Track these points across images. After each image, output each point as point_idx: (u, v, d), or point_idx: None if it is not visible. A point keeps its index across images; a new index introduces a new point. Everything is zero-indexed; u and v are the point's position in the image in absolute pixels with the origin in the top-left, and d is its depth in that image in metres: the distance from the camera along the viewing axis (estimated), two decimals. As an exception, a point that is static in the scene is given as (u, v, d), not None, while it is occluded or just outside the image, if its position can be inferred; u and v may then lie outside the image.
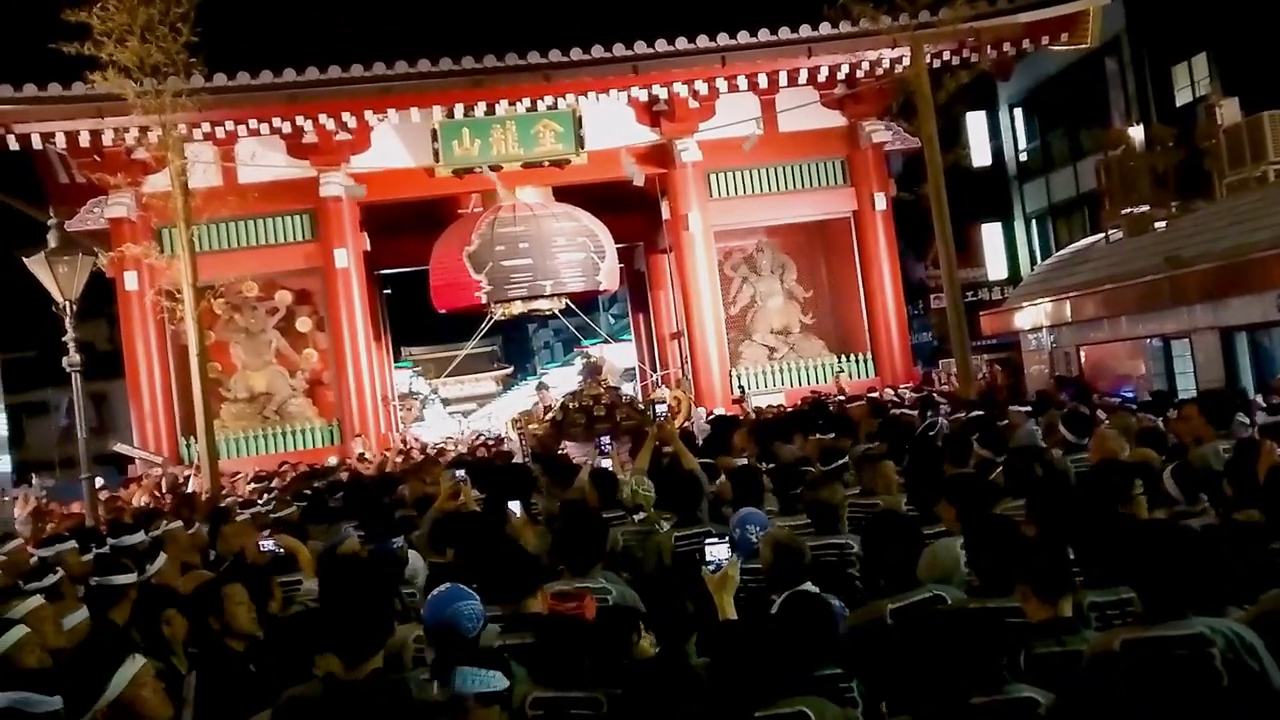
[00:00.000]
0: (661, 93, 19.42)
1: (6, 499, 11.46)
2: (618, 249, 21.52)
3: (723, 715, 3.20)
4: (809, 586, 4.26)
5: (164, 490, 15.59)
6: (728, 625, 3.85)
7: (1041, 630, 3.66)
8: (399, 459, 16.23)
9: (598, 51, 18.31)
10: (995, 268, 28.18)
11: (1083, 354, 16.38)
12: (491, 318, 21.69)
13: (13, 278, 11.55)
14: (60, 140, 17.42)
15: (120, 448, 19.24)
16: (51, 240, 11.27)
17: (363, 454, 17.68)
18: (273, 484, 13.89)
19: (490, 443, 18.67)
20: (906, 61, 17.04)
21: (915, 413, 10.62)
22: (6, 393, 28.29)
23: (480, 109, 19.04)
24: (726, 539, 4.27)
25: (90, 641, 4.70)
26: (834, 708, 3.41)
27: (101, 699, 3.38)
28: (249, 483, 14.98)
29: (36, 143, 17.32)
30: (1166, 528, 3.90)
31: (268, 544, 6.95)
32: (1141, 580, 3.63)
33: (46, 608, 4.92)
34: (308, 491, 9.93)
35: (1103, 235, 17.30)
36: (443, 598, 4.10)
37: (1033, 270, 23.64)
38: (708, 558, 4.16)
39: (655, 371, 24.40)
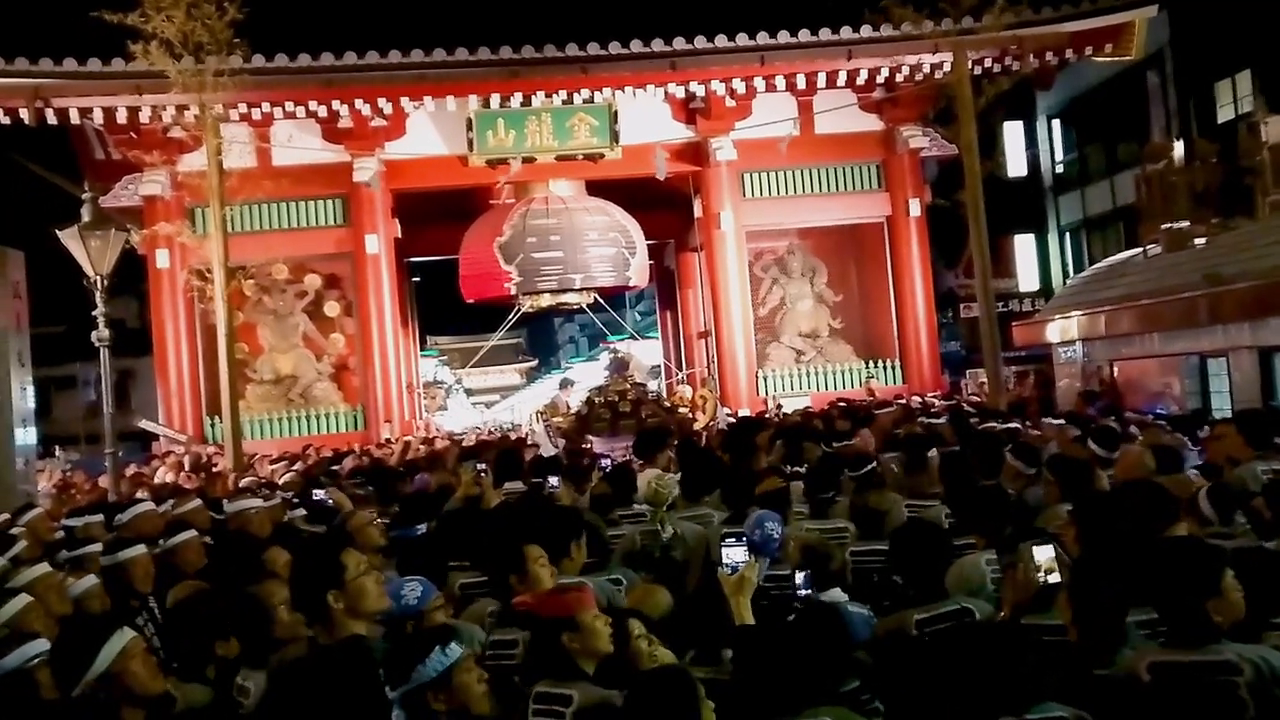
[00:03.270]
0: (698, 90, 19.33)
1: (33, 470, 11.47)
2: (648, 245, 21.45)
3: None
4: (836, 593, 4.17)
5: (188, 468, 15.63)
6: (745, 631, 3.77)
7: (1082, 650, 3.55)
8: (422, 446, 16.20)
9: (636, 46, 18.24)
10: (1027, 279, 27.95)
11: (1115, 369, 16.18)
12: (519, 309, 21.67)
13: (45, 252, 11.59)
14: (98, 116, 17.49)
15: (145, 424, 19.35)
16: (85, 214, 11.34)
17: (388, 439, 17.68)
18: (295, 466, 13.90)
19: (503, 432, 18.64)
20: (947, 67, 16.93)
21: (944, 421, 10.47)
22: (36, 365, 28.59)
23: (516, 100, 19.00)
24: (745, 541, 4.16)
25: (79, 615, 4.68)
26: (856, 717, 3.33)
27: (90, 671, 3.35)
28: (271, 464, 14.99)
29: (74, 117, 17.40)
30: (1195, 548, 3.79)
31: (319, 493, 7.06)
32: (1168, 602, 3.54)
33: (52, 575, 4.93)
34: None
35: (1140, 250, 17.08)
36: (391, 588, 4.05)
37: (1065, 283, 23.42)
38: (725, 560, 4.07)
39: (681, 370, 24.33)
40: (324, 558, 3.82)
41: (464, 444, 15.81)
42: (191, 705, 3.69)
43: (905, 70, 18.94)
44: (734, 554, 4.06)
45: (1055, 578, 3.82)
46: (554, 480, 7.30)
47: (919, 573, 4.25)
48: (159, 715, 3.52)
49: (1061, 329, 17.11)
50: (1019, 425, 9.15)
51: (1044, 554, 3.99)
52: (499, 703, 3.47)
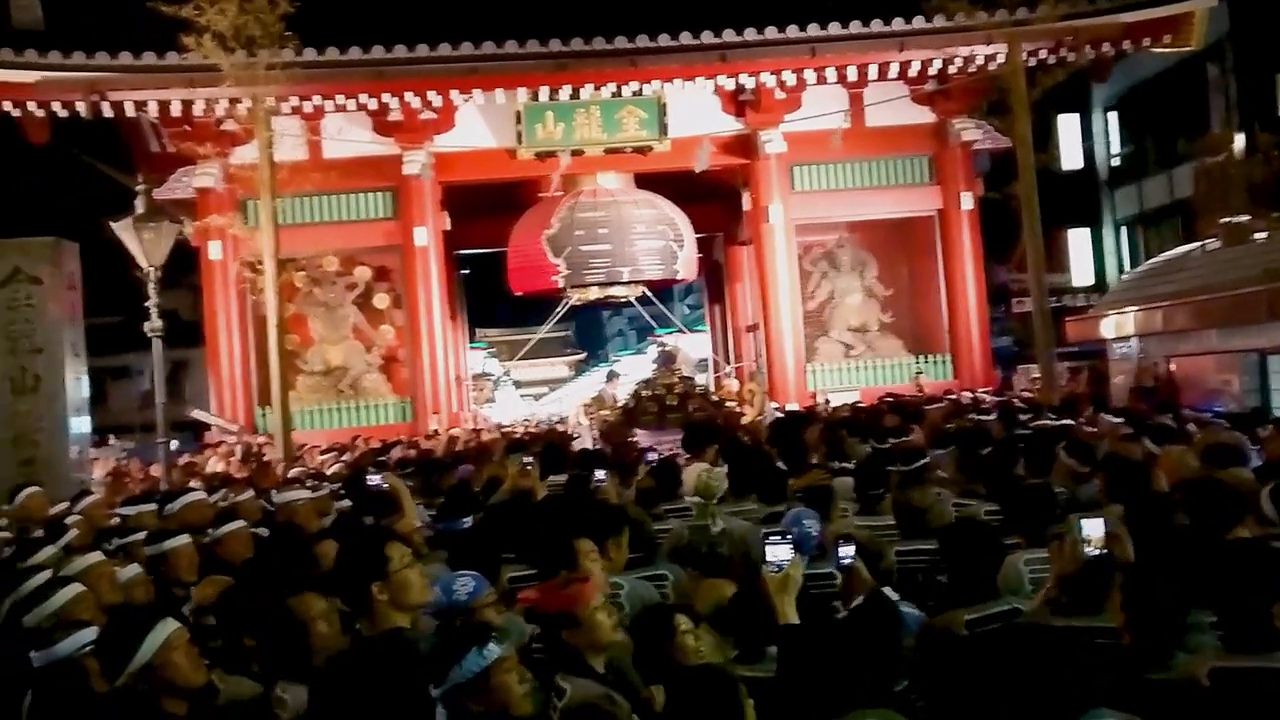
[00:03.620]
0: (748, 82, 19.19)
1: (86, 458, 11.65)
2: (696, 239, 21.37)
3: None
4: (888, 592, 4.10)
5: (239, 458, 15.80)
6: (790, 630, 3.70)
7: (1136, 653, 3.45)
8: (470, 438, 16.27)
9: (685, 39, 18.12)
10: (1081, 274, 27.56)
11: (1172, 365, 15.91)
12: (567, 302, 21.69)
13: (102, 244, 11.74)
14: (152, 109, 17.68)
15: (196, 414, 19.58)
16: (139, 207, 11.47)
17: (435, 431, 17.77)
18: (344, 456, 14.00)
19: (550, 425, 18.66)
20: (1000, 59, 16.68)
21: (994, 418, 10.32)
22: (91, 355, 29.02)
23: (565, 93, 18.96)
24: (789, 538, 4.09)
25: (125, 604, 4.70)
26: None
27: (133, 662, 3.35)
28: (320, 454, 15.11)
29: (130, 110, 17.60)
30: (1259, 551, 3.68)
31: (374, 479, 7.14)
32: (1230, 603, 3.44)
33: (105, 564, 4.95)
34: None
35: (1198, 244, 16.77)
36: (444, 582, 4.02)
37: (1120, 278, 23.05)
38: (768, 557, 4.00)
39: (729, 364, 24.24)
40: (368, 549, 3.81)
41: (511, 436, 15.86)
42: (236, 699, 3.68)
43: (958, 62, 18.67)
44: (778, 552, 3.99)
45: (1100, 551, 3.77)
46: (600, 474, 7.26)
47: (968, 572, 4.17)
48: (202, 707, 3.52)
49: (1116, 324, 16.85)
50: (1071, 422, 8.97)
51: (1093, 527, 3.97)
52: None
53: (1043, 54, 17.70)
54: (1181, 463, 6.17)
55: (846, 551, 4.48)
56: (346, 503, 8.15)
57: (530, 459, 7.40)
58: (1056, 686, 2.92)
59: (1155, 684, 3.32)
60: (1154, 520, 4.33)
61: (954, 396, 15.37)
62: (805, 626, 3.70)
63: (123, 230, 11.16)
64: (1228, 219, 15.65)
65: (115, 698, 3.39)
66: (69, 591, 4.24)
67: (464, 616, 3.89)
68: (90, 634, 3.65)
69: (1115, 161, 27.80)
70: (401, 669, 3.28)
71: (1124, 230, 27.50)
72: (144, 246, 11.09)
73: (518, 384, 49.30)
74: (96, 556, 5.16)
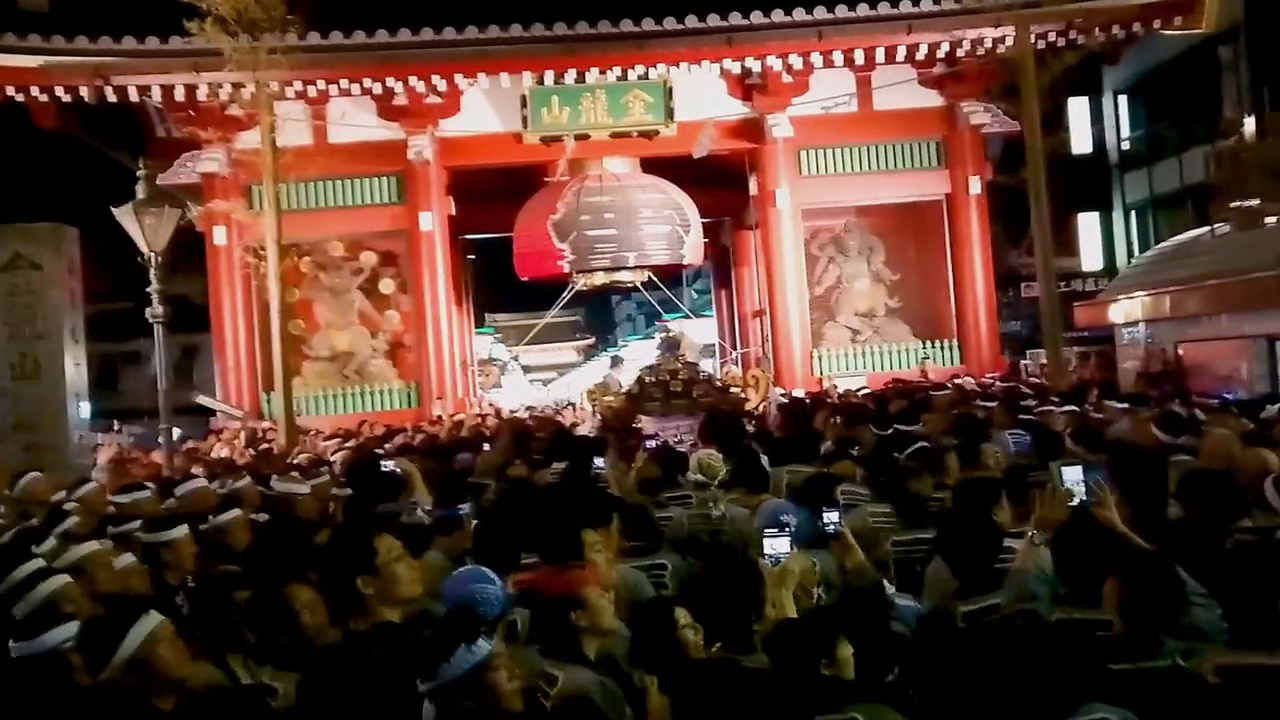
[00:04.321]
0: (755, 66, 19.07)
1: (91, 443, 11.64)
2: (704, 223, 21.27)
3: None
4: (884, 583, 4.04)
5: (243, 444, 15.78)
6: (786, 625, 3.65)
7: (1122, 644, 3.38)
8: (476, 422, 16.22)
9: (691, 22, 18.01)
10: (1091, 258, 27.37)
11: (1180, 351, 15.78)
12: (573, 287, 21.62)
13: (112, 228, 11.66)
14: (156, 94, 17.63)
15: (202, 399, 19.58)
16: (140, 192, 11.39)
17: (440, 416, 17.74)
18: (348, 443, 13.95)
19: (556, 410, 18.61)
20: (1010, 41, 16.54)
21: (996, 405, 10.23)
22: (101, 341, 28.98)
23: (571, 76, 18.89)
24: (788, 532, 4.04)
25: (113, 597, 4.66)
26: (893, 715, 3.20)
27: (117, 655, 3.30)
28: (325, 440, 15.08)
29: (134, 95, 17.55)
30: (1266, 546, 3.61)
31: (388, 464, 7.19)
32: (1236, 598, 3.36)
33: (104, 553, 4.90)
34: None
35: (1208, 229, 16.62)
36: (463, 577, 3.93)
37: (1130, 262, 22.89)
38: (767, 550, 3.95)
39: (736, 349, 24.16)
40: (356, 542, 3.74)
41: (516, 422, 15.81)
42: (211, 687, 3.61)
43: (966, 45, 18.53)
44: (777, 545, 3.94)
45: (1083, 500, 3.94)
46: (600, 461, 7.21)
47: (966, 563, 4.11)
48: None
49: (1125, 310, 16.72)
50: (1075, 409, 8.88)
51: (1073, 474, 4.16)
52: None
53: (1052, 37, 17.53)
54: (1226, 449, 6.03)
55: (831, 518, 4.50)
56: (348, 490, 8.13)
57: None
58: (1052, 680, 2.87)
59: (1145, 673, 3.25)
60: (1152, 510, 4.24)
61: (959, 382, 15.27)
62: (797, 620, 3.64)
63: (124, 216, 11.09)
64: (1239, 203, 15.50)
65: (99, 692, 3.34)
66: (55, 582, 4.19)
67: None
68: (74, 628, 3.59)
69: (1127, 145, 27.57)
70: (385, 666, 3.23)
71: (1134, 215, 27.31)
72: (145, 232, 11.02)
73: (526, 369, 49.29)
74: (92, 545, 5.10)
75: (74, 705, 3.39)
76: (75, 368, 10.35)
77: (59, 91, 17.10)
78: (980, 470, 6.31)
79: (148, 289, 11.32)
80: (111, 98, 17.43)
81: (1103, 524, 3.86)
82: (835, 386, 17.34)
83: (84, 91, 17.01)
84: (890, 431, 8.32)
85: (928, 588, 4.47)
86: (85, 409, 10.75)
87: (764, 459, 6.77)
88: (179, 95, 17.50)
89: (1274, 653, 3.07)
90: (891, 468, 6.26)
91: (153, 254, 11.08)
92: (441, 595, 3.97)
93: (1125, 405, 9.07)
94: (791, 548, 3.95)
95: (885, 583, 4.20)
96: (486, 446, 10.85)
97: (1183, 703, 3.18)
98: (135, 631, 3.34)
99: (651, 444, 8.84)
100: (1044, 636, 3.01)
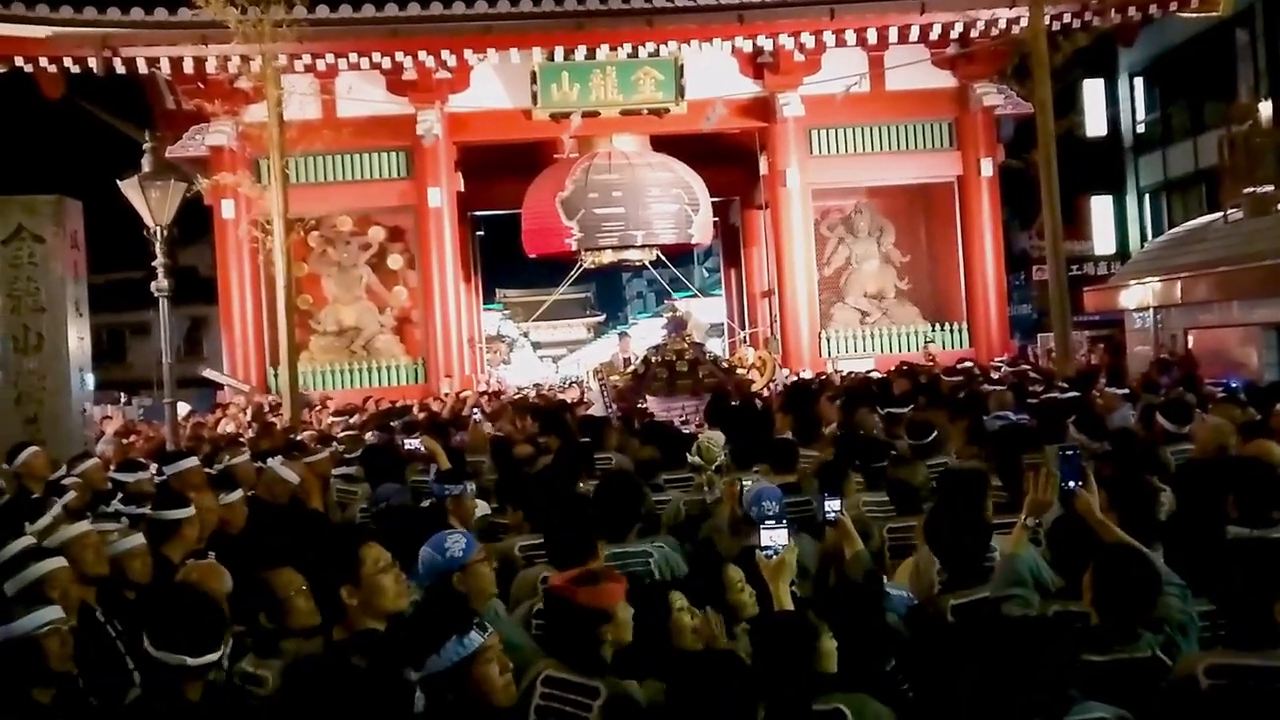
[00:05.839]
0: (766, 44, 18.92)
1: (90, 417, 11.62)
2: (713, 202, 21.19)
3: (770, 710, 2.97)
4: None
5: (249, 418, 15.78)
6: (780, 616, 3.61)
7: (1098, 636, 3.34)
8: (484, 399, 16.20)
9: (703, -1, 17.89)
10: (1103, 242, 27.23)
11: (1190, 338, 15.69)
12: (581, 265, 21.56)
13: (120, 199, 11.62)
14: (165, 66, 17.58)
15: (208, 373, 19.60)
16: (146, 165, 11.33)
17: (448, 392, 17.73)
18: (353, 419, 13.94)
19: (559, 389, 18.58)
20: (1024, 22, 16.36)
21: (1005, 389, 10.16)
22: (110, 312, 29.04)
23: (580, 53, 18.76)
24: (785, 522, 3.99)
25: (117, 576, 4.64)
26: (875, 705, 3.17)
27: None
28: (330, 415, 15.07)
29: (142, 67, 17.49)
30: (1263, 544, 3.55)
31: (411, 443, 7.17)
32: (1229, 598, 3.32)
33: (92, 535, 4.85)
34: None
35: (1220, 214, 16.49)
36: (434, 540, 3.90)
37: (1143, 247, 22.76)
38: (764, 542, 3.90)
39: (744, 329, 24.09)
40: (340, 551, 3.67)
41: (523, 400, 15.79)
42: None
43: (980, 25, 18.38)
44: (774, 536, 3.89)
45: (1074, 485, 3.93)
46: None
47: (956, 555, 4.07)
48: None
49: (1134, 295, 16.64)
50: (1079, 395, 8.80)
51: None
52: None
53: (1066, 18, 17.37)
54: (1219, 436, 5.98)
55: (833, 505, 4.49)
56: (348, 469, 8.12)
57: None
58: (1041, 674, 2.83)
59: (1123, 664, 3.22)
60: (1139, 502, 4.19)
61: (967, 365, 15.19)
62: (781, 612, 3.61)
63: (129, 189, 11.03)
64: (1251, 189, 15.38)
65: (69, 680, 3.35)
66: (47, 565, 4.16)
67: (458, 573, 3.81)
68: (54, 612, 3.57)
69: (1141, 128, 27.39)
70: (374, 655, 3.21)
71: (1148, 198, 27.14)
72: (150, 205, 10.94)
73: (536, 345, 49.30)
74: (82, 526, 5.05)
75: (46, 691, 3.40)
76: (79, 341, 10.29)
77: (67, 62, 17.07)
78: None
79: (153, 262, 11.30)
80: (120, 69, 17.38)
81: (1082, 514, 3.82)
82: (838, 371, 17.27)
83: (92, 63, 16.96)
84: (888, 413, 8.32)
85: (912, 576, 4.43)
86: (90, 381, 10.72)
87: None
88: (187, 67, 17.45)
89: (1265, 653, 3.02)
90: (886, 454, 6.21)
91: (158, 227, 11.03)
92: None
93: (1125, 392, 8.99)
94: (789, 539, 3.90)
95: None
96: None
97: (1173, 702, 3.15)
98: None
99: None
100: (1029, 628, 2.97)
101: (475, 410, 12.73)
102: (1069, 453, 4.09)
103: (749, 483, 5.25)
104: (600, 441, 7.84)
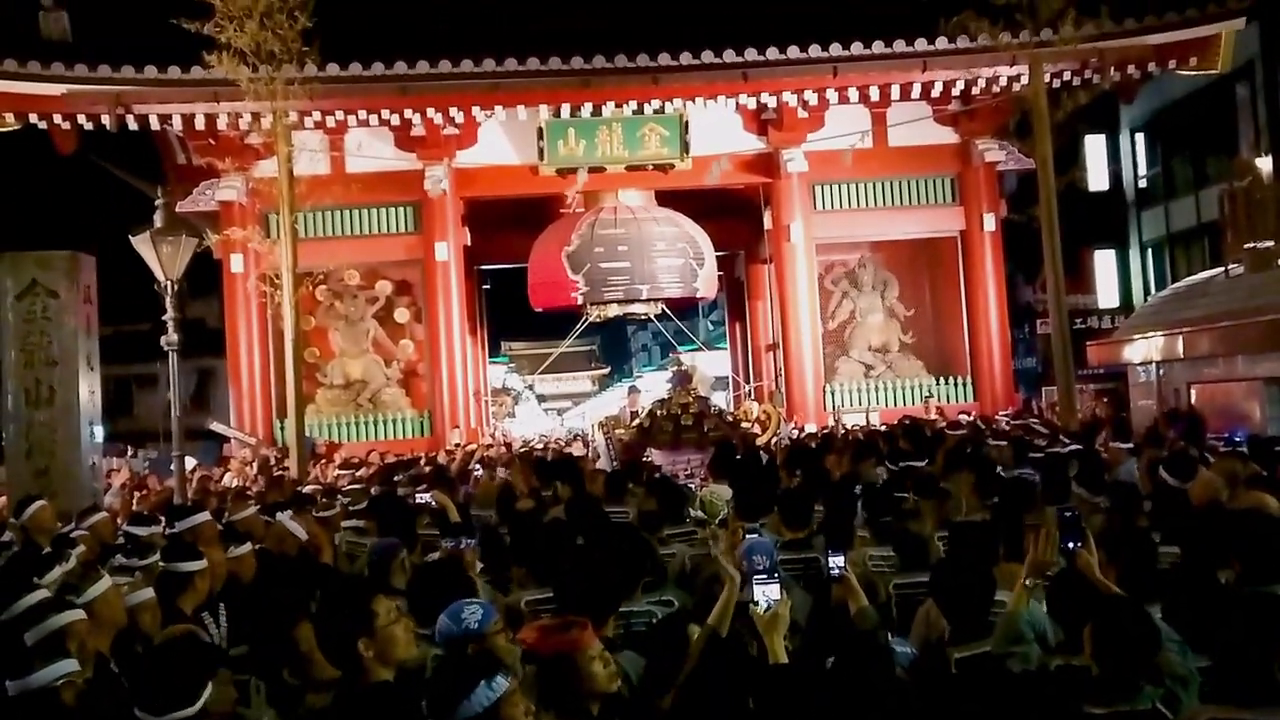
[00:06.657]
0: (770, 101, 19.16)
1: (100, 470, 11.69)
2: (718, 256, 21.32)
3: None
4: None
5: (255, 471, 15.83)
6: (778, 671, 3.64)
7: (1099, 689, 3.37)
8: (488, 452, 16.23)
9: (707, 57, 18.08)
10: (1107, 295, 27.33)
11: (1193, 392, 15.71)
12: (586, 318, 21.67)
13: (130, 252, 11.77)
14: (177, 122, 17.82)
15: (215, 426, 19.65)
16: (158, 219, 11.50)
17: (458, 444, 17.77)
18: (359, 472, 13.98)
19: (566, 442, 18.59)
20: (1024, 79, 16.58)
21: (1006, 444, 10.20)
22: (118, 363, 29.12)
23: (587, 109, 19.00)
24: (777, 576, 4.03)
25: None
26: None
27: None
28: (336, 468, 15.13)
29: (154, 123, 17.73)
30: (1264, 600, 3.58)
31: (423, 497, 7.26)
32: (1228, 653, 3.34)
33: (115, 591, 4.88)
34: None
35: (1222, 269, 16.58)
36: (451, 610, 3.96)
37: (1146, 300, 22.83)
38: (757, 596, 3.94)
39: (749, 382, 24.14)
40: (355, 603, 3.73)
41: (528, 453, 15.82)
42: None
43: (981, 82, 18.58)
44: (767, 591, 3.93)
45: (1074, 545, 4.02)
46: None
47: (961, 608, 4.10)
48: None
49: (1138, 349, 16.68)
50: (1080, 448, 8.84)
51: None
52: None
53: (1067, 75, 17.58)
54: (1214, 489, 6.02)
55: (837, 561, 4.53)
56: (357, 522, 8.17)
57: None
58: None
59: (1123, 716, 3.24)
60: (1138, 555, 4.23)
61: (971, 419, 15.23)
62: (793, 670, 3.64)
63: (141, 243, 11.19)
64: (1252, 244, 15.47)
65: None
66: (65, 617, 4.19)
67: (475, 644, 3.86)
68: (69, 665, 3.61)
69: (1143, 183, 27.56)
70: (401, 703, 3.25)
71: (1150, 252, 27.27)
72: (161, 260, 11.12)
73: (541, 398, 49.33)
74: (106, 583, 5.03)
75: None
76: (90, 394, 10.42)
77: (81, 119, 17.31)
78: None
79: (163, 316, 11.43)
80: (132, 125, 17.62)
81: (1081, 571, 3.87)
82: (839, 422, 17.30)
83: (105, 119, 17.19)
84: (899, 467, 8.34)
85: (915, 629, 4.46)
86: (99, 433, 10.82)
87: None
88: (199, 124, 17.67)
89: (1259, 710, 3.05)
90: (893, 508, 6.24)
91: (169, 282, 11.18)
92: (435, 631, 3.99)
93: (1130, 446, 9.02)
94: (781, 592, 3.93)
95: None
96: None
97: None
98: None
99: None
100: (1029, 681, 3.01)
101: (477, 466, 12.79)
102: (1069, 515, 4.14)
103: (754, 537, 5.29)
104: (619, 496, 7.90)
